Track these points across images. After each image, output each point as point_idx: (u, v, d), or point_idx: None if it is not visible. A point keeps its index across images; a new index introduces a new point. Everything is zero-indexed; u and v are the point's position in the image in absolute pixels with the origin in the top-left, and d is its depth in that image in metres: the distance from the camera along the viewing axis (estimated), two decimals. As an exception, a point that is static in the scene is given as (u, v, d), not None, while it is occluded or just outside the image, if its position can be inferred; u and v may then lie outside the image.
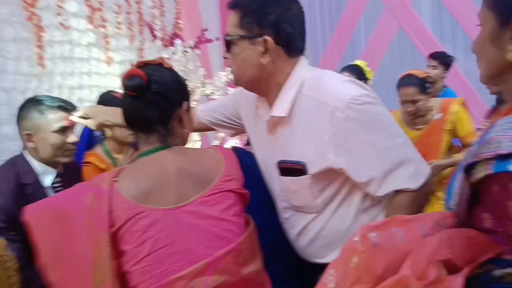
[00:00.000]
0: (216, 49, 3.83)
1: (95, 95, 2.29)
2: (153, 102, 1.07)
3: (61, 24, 2.79)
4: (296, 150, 1.17)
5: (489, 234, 0.79)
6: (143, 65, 1.11)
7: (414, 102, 2.26)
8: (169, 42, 3.55)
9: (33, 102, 1.59)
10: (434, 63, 3.38)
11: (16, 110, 1.61)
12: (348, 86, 1.15)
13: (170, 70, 1.13)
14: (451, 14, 4.66)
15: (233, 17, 1.17)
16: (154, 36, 3.55)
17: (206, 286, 0.98)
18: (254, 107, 1.30)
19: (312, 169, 1.15)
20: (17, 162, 1.57)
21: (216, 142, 3.06)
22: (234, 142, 2.89)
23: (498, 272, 0.77)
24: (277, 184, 1.26)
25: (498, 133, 0.74)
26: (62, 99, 1.66)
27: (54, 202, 1.08)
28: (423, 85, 2.28)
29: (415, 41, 4.74)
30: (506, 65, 0.79)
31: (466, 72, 4.38)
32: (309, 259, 1.27)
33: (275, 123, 1.21)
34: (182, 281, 0.97)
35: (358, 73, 2.70)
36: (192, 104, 2.89)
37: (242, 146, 2.76)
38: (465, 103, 2.44)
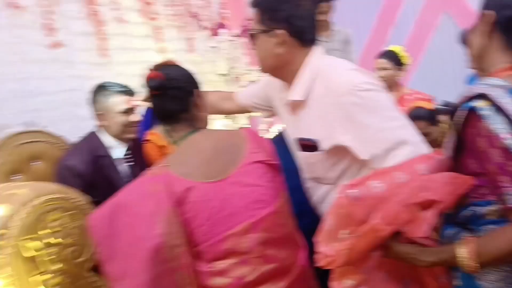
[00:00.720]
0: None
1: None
2: (173, 96, 1.24)
3: (118, 18, 3.04)
4: (311, 129, 1.32)
5: (475, 177, 0.92)
6: (159, 67, 1.28)
7: (425, 135, 1.98)
8: (215, 32, 3.73)
9: (101, 88, 1.85)
10: None
11: (87, 95, 1.86)
12: (352, 74, 1.26)
13: (179, 66, 1.31)
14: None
15: (254, 14, 1.34)
16: (201, 27, 3.74)
17: (253, 241, 1.17)
18: (280, 91, 1.44)
19: (323, 146, 1.30)
20: (91, 138, 1.83)
21: (263, 126, 3.26)
22: (280, 125, 3.04)
23: (483, 209, 0.91)
24: (299, 158, 1.43)
25: (469, 88, 0.96)
26: (123, 85, 1.89)
27: (114, 200, 1.15)
28: (432, 117, 2.19)
29: (461, 23, 4.64)
30: None
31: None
32: None
33: (295, 105, 1.36)
34: (234, 237, 1.16)
35: (394, 59, 2.75)
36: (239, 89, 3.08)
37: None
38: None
